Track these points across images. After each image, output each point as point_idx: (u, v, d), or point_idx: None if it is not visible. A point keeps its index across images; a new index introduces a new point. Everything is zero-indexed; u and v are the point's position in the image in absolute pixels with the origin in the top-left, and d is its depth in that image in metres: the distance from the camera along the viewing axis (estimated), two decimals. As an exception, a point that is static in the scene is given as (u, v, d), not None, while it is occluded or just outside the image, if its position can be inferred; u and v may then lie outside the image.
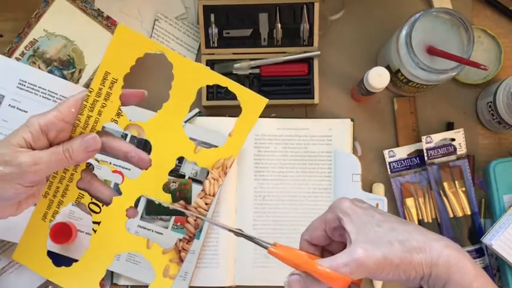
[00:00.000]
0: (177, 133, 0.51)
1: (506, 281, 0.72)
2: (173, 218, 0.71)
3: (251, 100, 0.50)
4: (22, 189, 0.46)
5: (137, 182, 0.52)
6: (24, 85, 0.72)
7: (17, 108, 0.71)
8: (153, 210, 0.71)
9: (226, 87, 0.77)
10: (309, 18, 0.75)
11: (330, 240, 0.48)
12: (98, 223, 0.52)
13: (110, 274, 0.73)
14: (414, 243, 0.42)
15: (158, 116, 0.50)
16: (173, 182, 0.69)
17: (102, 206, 0.52)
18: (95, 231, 0.53)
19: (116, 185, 0.67)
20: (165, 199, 0.52)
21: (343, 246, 0.46)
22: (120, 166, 0.68)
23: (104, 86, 0.49)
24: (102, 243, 0.53)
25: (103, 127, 0.50)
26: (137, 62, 0.49)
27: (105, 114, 0.49)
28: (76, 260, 0.53)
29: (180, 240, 0.54)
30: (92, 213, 0.53)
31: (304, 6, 0.75)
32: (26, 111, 0.72)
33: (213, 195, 0.54)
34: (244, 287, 0.74)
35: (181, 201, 0.54)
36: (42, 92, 0.72)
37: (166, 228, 0.71)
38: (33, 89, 0.72)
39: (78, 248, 0.69)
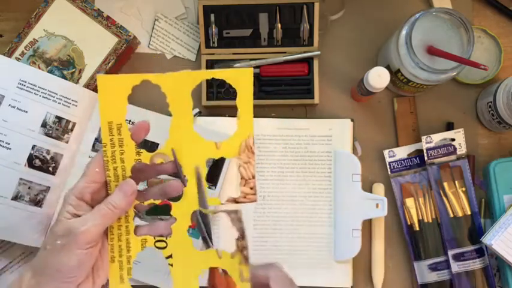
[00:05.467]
0: (194, 139, 0.51)
1: (506, 281, 0.72)
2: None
3: (238, 76, 0.50)
4: (82, 254, 0.48)
5: (184, 201, 0.52)
6: (24, 85, 0.72)
7: (17, 108, 0.71)
8: (152, 210, 0.71)
9: (227, 87, 0.77)
10: (309, 18, 0.75)
11: None
12: (170, 256, 0.53)
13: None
14: None
15: (171, 135, 0.51)
16: None
17: (166, 238, 0.53)
18: (171, 265, 0.53)
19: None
20: (212, 202, 0.52)
21: None
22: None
23: (113, 135, 0.50)
24: (182, 273, 0.53)
25: (131, 170, 0.51)
26: (129, 99, 0.49)
27: (128, 159, 0.51)
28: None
29: (237, 239, 0.53)
30: (160, 250, 0.53)
31: (304, 6, 0.75)
32: (26, 111, 0.71)
33: (253, 177, 0.53)
34: (244, 287, 0.74)
35: (230, 198, 0.53)
36: (42, 92, 0.72)
37: (167, 228, 0.71)
38: (33, 89, 0.72)
39: None
